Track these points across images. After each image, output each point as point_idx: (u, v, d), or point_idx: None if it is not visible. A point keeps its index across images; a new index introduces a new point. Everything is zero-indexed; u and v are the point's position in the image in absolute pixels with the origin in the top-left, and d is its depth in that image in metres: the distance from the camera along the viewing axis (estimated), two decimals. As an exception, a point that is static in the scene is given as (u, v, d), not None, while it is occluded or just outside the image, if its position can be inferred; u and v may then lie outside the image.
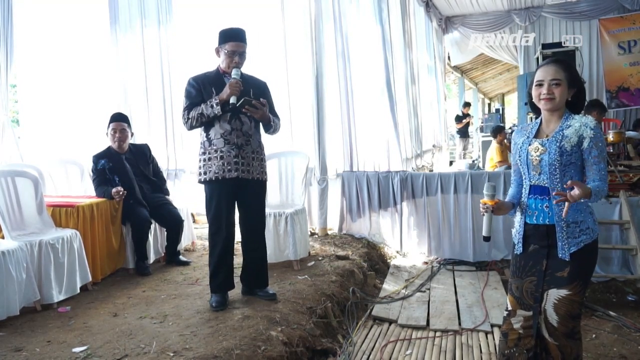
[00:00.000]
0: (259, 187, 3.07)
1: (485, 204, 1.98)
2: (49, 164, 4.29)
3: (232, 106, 2.81)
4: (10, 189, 3.24)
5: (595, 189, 1.79)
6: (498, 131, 7.36)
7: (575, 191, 1.72)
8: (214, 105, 2.83)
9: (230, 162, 2.89)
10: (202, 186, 3.01)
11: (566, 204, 1.76)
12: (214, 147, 2.91)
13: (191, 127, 2.96)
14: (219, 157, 2.89)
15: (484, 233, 2.05)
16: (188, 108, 2.93)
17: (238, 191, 2.98)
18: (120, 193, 3.70)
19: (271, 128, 3.05)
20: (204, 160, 2.94)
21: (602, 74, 8.63)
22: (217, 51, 2.96)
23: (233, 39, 2.89)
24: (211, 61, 3.11)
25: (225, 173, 2.88)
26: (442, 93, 10.62)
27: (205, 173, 2.93)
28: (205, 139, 2.96)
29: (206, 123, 2.93)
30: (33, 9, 4.87)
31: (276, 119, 3.09)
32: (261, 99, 2.87)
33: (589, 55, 8.96)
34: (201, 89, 2.94)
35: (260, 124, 3.06)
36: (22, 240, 2.98)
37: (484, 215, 2.00)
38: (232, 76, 2.85)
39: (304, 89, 5.09)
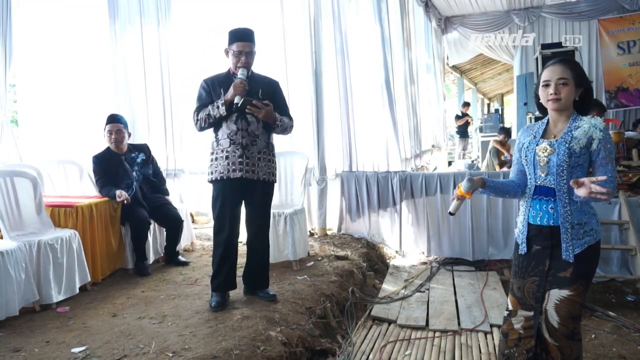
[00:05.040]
0: (265, 187, 3.06)
1: (460, 194, 1.99)
2: (47, 164, 4.27)
3: (235, 106, 2.82)
4: (9, 189, 3.23)
5: (610, 189, 1.75)
6: (505, 131, 7.55)
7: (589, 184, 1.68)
8: (219, 106, 2.87)
9: (235, 162, 2.91)
10: (201, 186, 3.03)
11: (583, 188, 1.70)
12: (221, 147, 2.94)
13: (201, 129, 3.01)
14: (224, 157, 2.92)
15: (451, 210, 2.05)
16: (197, 110, 2.98)
17: (245, 191, 3.00)
18: (123, 197, 3.68)
19: (277, 128, 3.03)
20: (212, 160, 2.99)
21: (601, 74, 8.64)
22: (226, 52, 2.97)
23: (239, 39, 2.91)
24: (210, 59, 3.11)
25: (230, 173, 2.91)
26: (441, 93, 10.62)
27: (212, 173, 2.98)
28: (214, 139, 3.01)
29: (215, 124, 2.96)
30: (32, 7, 4.85)
31: (285, 118, 3.07)
32: (265, 100, 2.88)
33: (588, 56, 8.97)
34: (211, 90, 2.98)
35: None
36: (21, 240, 2.97)
37: (454, 200, 2.02)
38: (238, 76, 2.87)
39: (303, 88, 5.08)
